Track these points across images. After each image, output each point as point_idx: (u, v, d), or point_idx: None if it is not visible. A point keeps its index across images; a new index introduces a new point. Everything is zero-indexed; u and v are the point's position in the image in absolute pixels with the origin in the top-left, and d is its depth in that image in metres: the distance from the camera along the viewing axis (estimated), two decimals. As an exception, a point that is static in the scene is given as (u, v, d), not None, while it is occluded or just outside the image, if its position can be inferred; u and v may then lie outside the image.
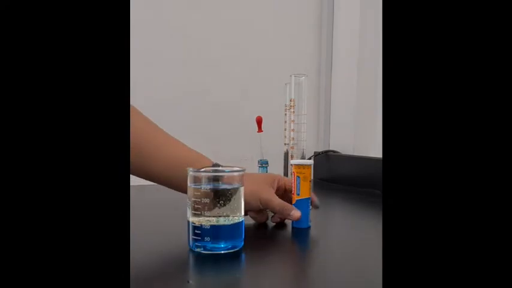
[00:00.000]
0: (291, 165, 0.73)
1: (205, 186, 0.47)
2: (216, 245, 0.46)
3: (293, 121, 0.73)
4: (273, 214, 0.72)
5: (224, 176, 0.49)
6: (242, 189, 0.49)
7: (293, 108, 0.73)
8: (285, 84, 0.83)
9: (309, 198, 0.60)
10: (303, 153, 0.74)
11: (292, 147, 0.74)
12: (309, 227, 0.60)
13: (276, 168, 0.86)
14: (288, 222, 0.63)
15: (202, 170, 0.48)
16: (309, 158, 1.15)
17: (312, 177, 0.61)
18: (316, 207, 0.65)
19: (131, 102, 0.86)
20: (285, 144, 0.85)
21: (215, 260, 0.45)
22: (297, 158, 0.74)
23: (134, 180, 0.93)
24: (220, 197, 0.47)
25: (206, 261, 0.45)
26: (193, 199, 0.47)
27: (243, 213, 0.49)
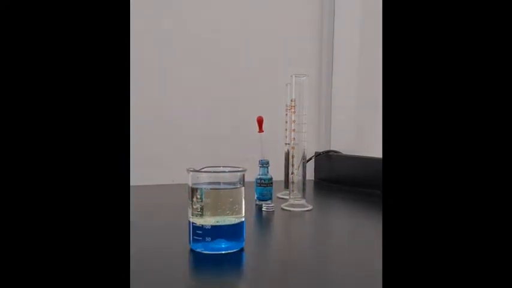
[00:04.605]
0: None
1: (206, 187, 0.47)
2: (217, 245, 0.46)
3: (294, 121, 0.73)
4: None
5: (225, 176, 0.49)
6: (243, 189, 0.49)
7: (294, 109, 0.73)
8: (286, 84, 0.83)
9: None
10: (304, 153, 0.74)
11: (293, 148, 0.74)
12: None
13: (277, 168, 0.86)
14: (292, 220, 0.63)
15: (203, 170, 0.48)
16: (310, 159, 1.15)
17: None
18: None
19: (132, 102, 0.86)
20: (286, 144, 0.85)
21: (216, 260, 0.45)
22: (298, 158, 0.74)
23: (134, 180, 0.93)
24: (221, 197, 0.47)
25: (207, 261, 0.45)
26: (194, 199, 0.47)
27: (243, 213, 0.49)
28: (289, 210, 0.73)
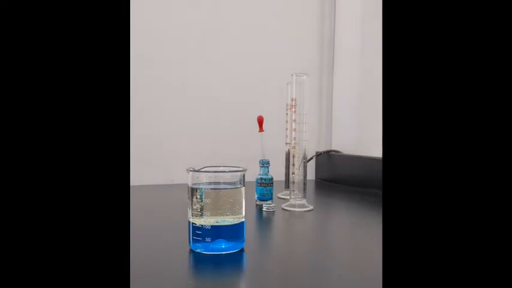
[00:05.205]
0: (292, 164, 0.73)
1: (206, 187, 0.47)
2: (217, 246, 0.46)
3: (294, 121, 0.73)
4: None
5: (225, 176, 0.49)
6: (243, 189, 0.49)
7: (294, 108, 0.73)
8: (287, 83, 0.82)
9: None
10: (305, 153, 0.74)
11: (293, 147, 0.74)
12: None
13: (277, 168, 0.86)
14: (293, 220, 0.63)
15: (203, 169, 0.48)
16: (311, 158, 1.15)
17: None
18: None
19: (132, 102, 0.86)
20: (287, 143, 0.84)
21: (216, 260, 0.45)
22: (299, 158, 0.74)
23: (134, 180, 0.93)
24: (221, 197, 0.47)
25: (207, 262, 0.45)
26: (194, 199, 0.46)
27: (244, 213, 0.49)
28: (290, 211, 0.73)
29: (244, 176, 0.49)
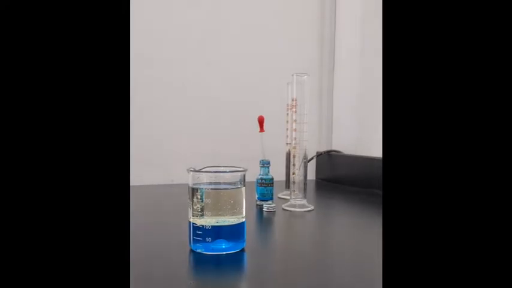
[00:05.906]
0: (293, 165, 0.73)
1: (207, 187, 0.47)
2: (217, 246, 0.46)
3: (295, 121, 0.73)
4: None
5: (225, 176, 0.49)
6: (244, 189, 0.49)
7: (295, 108, 0.73)
8: (287, 83, 0.82)
9: None
10: (305, 153, 0.74)
11: (294, 147, 0.74)
12: None
13: (277, 168, 0.86)
14: (294, 220, 0.63)
15: (204, 170, 0.48)
16: (311, 158, 1.15)
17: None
18: None
19: (132, 102, 0.86)
20: (287, 144, 0.84)
21: (216, 260, 0.45)
22: (299, 158, 0.74)
23: (134, 180, 0.93)
24: (221, 197, 0.47)
25: (207, 262, 0.44)
26: (194, 199, 0.46)
27: (244, 213, 0.49)
28: (290, 211, 0.72)
29: (244, 176, 0.49)
